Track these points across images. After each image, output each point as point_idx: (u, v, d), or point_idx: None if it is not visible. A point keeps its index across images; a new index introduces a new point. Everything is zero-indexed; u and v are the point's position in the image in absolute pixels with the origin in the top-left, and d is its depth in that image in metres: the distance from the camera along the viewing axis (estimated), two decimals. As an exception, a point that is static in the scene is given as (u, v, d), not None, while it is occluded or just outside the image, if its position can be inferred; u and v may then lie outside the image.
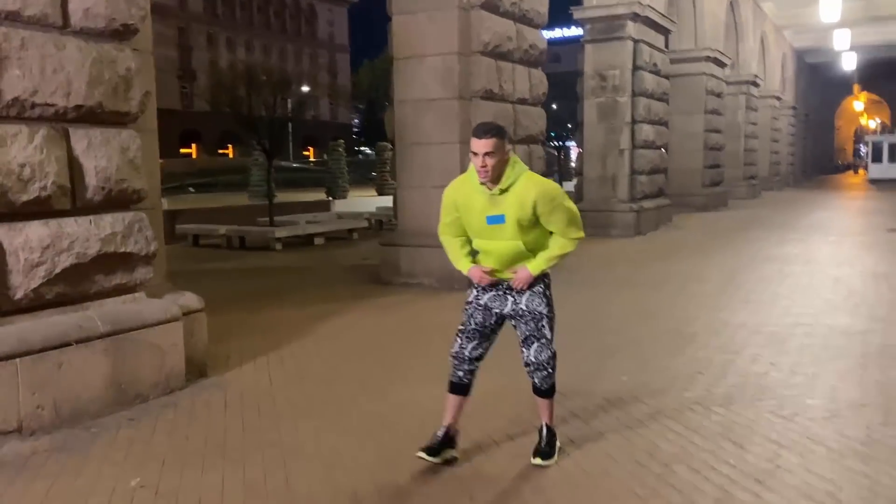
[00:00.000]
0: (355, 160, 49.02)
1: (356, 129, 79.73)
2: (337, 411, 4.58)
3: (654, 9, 14.95)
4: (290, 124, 19.19)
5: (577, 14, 14.66)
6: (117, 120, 4.75)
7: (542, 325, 3.67)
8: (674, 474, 3.58)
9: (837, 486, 3.40)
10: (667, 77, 16.47)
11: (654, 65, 15.33)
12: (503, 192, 3.50)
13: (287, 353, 6.01)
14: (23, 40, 4.18)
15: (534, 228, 3.55)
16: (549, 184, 3.62)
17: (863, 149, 64.74)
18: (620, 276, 9.83)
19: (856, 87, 50.79)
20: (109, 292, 4.75)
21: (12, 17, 4.16)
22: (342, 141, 35.88)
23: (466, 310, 3.77)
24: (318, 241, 14.63)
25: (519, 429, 4.13)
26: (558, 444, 3.83)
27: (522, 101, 9.86)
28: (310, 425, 4.37)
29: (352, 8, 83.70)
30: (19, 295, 4.23)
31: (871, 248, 12.08)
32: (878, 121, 63.69)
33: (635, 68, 14.61)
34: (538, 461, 3.72)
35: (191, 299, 5.39)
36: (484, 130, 3.47)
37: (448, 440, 3.76)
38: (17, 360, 4.12)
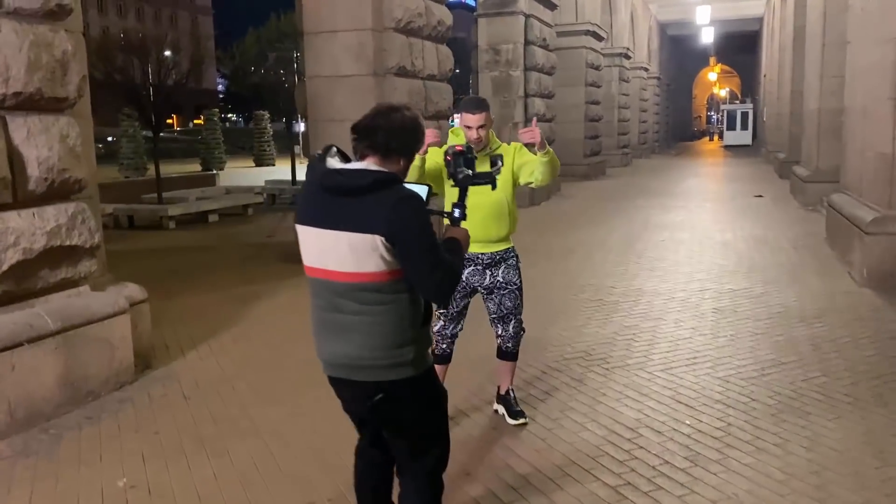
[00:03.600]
0: (225, 128, 47.48)
1: (221, 96, 76.86)
2: (302, 395, 4.61)
3: (542, -16, 15.37)
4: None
5: (471, -13, 14.83)
6: (55, 106, 4.51)
7: (518, 303, 4.01)
8: (642, 437, 3.92)
9: (784, 439, 3.85)
10: (552, 51, 17.01)
11: (544, 39, 15.80)
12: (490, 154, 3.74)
13: (227, 339, 5.94)
14: (-43, 23, 3.91)
15: (511, 186, 3.89)
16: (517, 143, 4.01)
17: (713, 116, 69.15)
18: (528, 245, 10.14)
19: (712, 59, 54.14)
20: (55, 287, 4.56)
21: (-56, -2, 3.87)
22: (217, 110, 34.61)
23: None
24: (213, 218, 14.18)
25: (485, 397, 4.36)
26: None
27: (432, 77, 9.98)
28: (281, 410, 4.41)
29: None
30: (-34, 295, 4.00)
31: (744, 213, 13.13)
32: (728, 90, 68.17)
33: (527, 43, 15.01)
34: (520, 421, 4.09)
35: (134, 290, 5.23)
36: (476, 105, 3.77)
37: None
38: (-29, 364, 3.91)
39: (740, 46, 48.48)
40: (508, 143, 4.03)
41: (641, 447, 3.80)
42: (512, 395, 4.21)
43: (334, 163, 2.34)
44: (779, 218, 12.40)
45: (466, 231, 2.64)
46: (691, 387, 4.64)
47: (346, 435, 4.00)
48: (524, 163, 3.89)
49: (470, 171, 2.74)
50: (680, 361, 5.13)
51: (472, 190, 3.72)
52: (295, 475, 3.60)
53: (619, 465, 3.60)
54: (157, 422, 4.31)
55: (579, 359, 5.22)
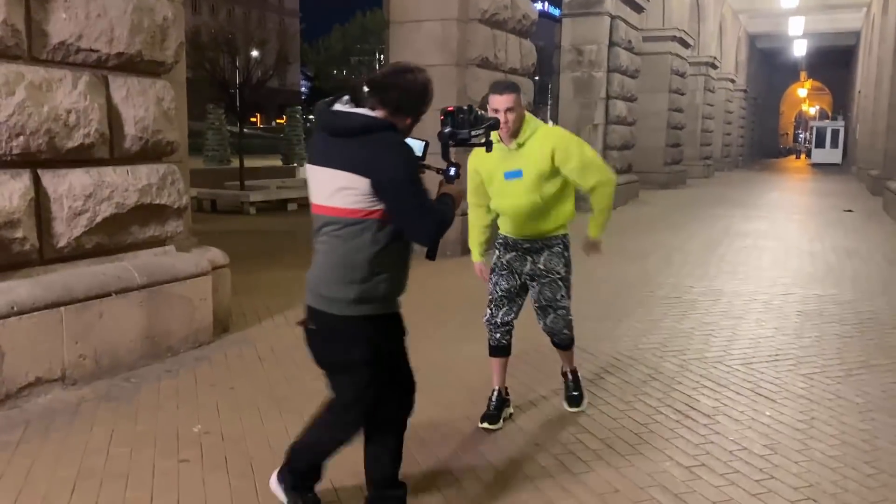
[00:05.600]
0: (307, 127, 48.60)
1: (304, 96, 78.63)
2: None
3: (630, -15, 15.15)
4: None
5: (557, -13, 14.73)
6: (153, 70, 4.68)
7: (560, 295, 3.68)
8: (719, 424, 3.79)
9: (873, 436, 3.66)
10: (637, 55, 16.74)
11: (629, 41, 15.57)
12: (521, 146, 3.51)
13: (303, 312, 6.02)
14: (68, -18, 4.09)
15: (551, 181, 3.53)
16: (566, 133, 3.64)
17: (801, 134, 66.80)
18: (604, 246, 10.03)
19: (802, 74, 52.32)
20: (143, 244, 4.72)
21: (58, -42, 4.06)
22: (299, 108, 35.45)
23: (492, 277, 3.81)
24: (292, 206, 14.47)
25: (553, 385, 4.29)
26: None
27: (514, 71, 9.94)
28: (352, 378, 4.43)
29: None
30: (62, 243, 4.18)
31: (832, 226, 12.60)
32: (818, 107, 65.77)
33: (611, 44, 14.81)
34: (573, 408, 3.89)
35: (217, 254, 5.37)
36: (504, 87, 3.46)
37: (502, 401, 3.84)
38: (62, 308, 4.08)
39: (834, 62, 46.68)
40: (557, 129, 3.69)
41: (718, 433, 3.67)
42: (570, 376, 3.95)
43: (340, 106, 2.45)
44: (871, 232, 11.85)
45: (460, 188, 2.65)
46: (772, 381, 4.46)
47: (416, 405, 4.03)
48: (568, 171, 3.50)
49: (448, 130, 2.63)
50: (761, 357, 4.94)
51: (506, 191, 3.61)
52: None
53: (694, 448, 3.49)
54: (232, 379, 4.41)
55: (654, 349, 5.10)
